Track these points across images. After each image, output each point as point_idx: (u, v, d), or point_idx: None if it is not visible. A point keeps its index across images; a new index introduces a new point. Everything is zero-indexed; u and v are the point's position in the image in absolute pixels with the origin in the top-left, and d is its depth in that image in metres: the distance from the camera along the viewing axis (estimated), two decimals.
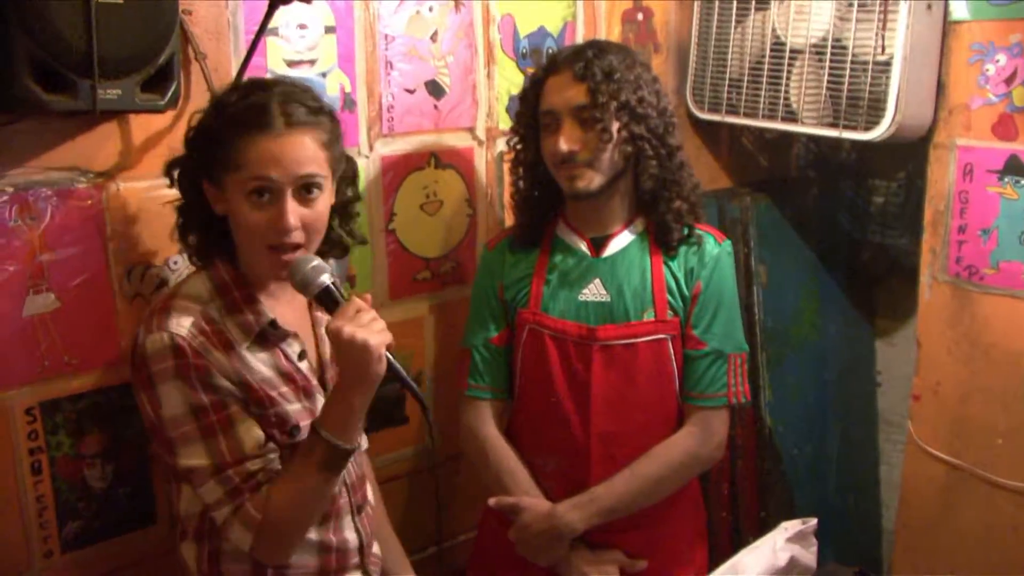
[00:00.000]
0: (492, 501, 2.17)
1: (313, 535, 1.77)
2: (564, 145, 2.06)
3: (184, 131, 1.75)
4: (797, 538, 1.86)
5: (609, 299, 2.14)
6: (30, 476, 1.89)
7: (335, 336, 1.59)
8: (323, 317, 1.86)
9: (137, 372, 1.67)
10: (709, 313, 2.16)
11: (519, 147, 2.22)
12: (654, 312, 2.13)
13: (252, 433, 1.67)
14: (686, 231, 2.17)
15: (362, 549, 1.88)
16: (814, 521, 1.88)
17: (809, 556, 1.87)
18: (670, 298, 2.14)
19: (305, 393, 1.76)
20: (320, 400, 1.79)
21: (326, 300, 1.67)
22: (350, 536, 1.86)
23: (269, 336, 1.73)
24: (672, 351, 2.15)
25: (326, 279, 1.67)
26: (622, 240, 2.18)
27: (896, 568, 2.94)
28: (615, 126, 2.05)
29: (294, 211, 1.65)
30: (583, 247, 2.19)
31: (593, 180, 2.09)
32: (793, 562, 1.84)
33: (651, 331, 2.13)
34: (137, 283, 1.98)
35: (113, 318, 1.96)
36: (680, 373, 2.17)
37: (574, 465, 2.17)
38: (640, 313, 2.13)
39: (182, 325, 1.63)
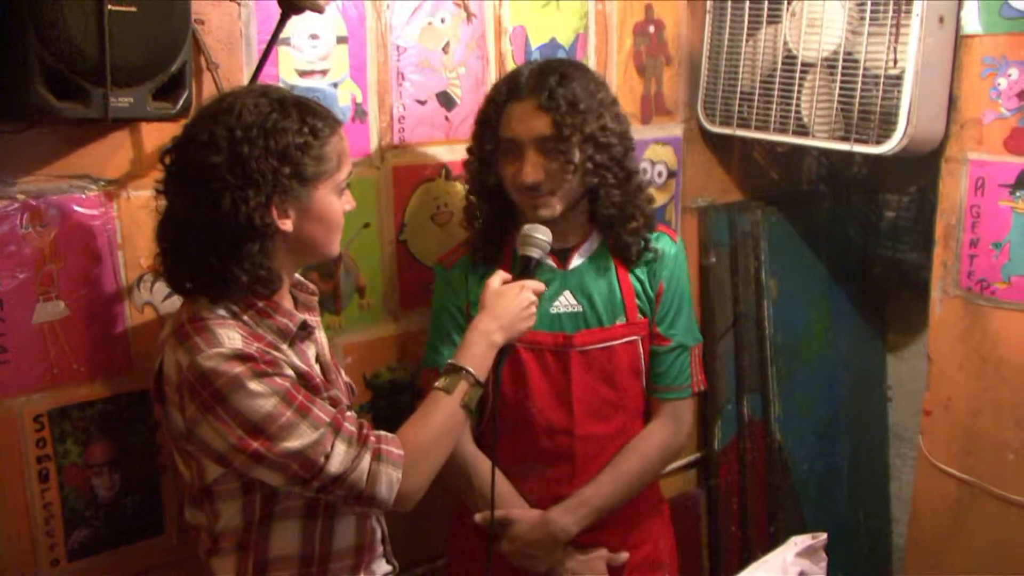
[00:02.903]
0: (479, 517, 2.16)
1: (353, 539, 1.80)
2: (529, 177, 2.05)
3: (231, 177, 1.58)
4: (807, 553, 1.85)
5: (581, 309, 2.18)
6: (37, 484, 1.89)
7: (518, 288, 1.90)
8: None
9: (196, 396, 1.58)
10: (673, 311, 2.23)
11: (476, 167, 2.18)
12: (625, 317, 2.19)
13: (327, 403, 1.68)
14: (643, 244, 2.20)
15: (384, 539, 1.93)
16: (824, 536, 1.86)
17: (819, 571, 1.86)
18: (638, 301, 2.20)
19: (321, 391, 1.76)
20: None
21: (524, 267, 1.96)
22: (376, 528, 1.90)
23: (296, 337, 1.74)
24: (642, 350, 2.21)
25: (538, 254, 1.97)
26: (586, 251, 2.21)
27: None
28: (578, 157, 2.04)
29: None
30: (549, 261, 2.16)
31: (556, 208, 2.09)
32: None
33: (625, 333, 2.19)
34: (147, 292, 1.99)
35: (123, 326, 1.96)
36: (647, 369, 2.23)
37: (559, 470, 2.20)
38: (613, 319, 2.18)
39: (233, 338, 1.60)
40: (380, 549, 1.91)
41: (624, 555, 2.24)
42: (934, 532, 2.80)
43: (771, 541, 2.98)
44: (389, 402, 2.41)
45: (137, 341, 1.98)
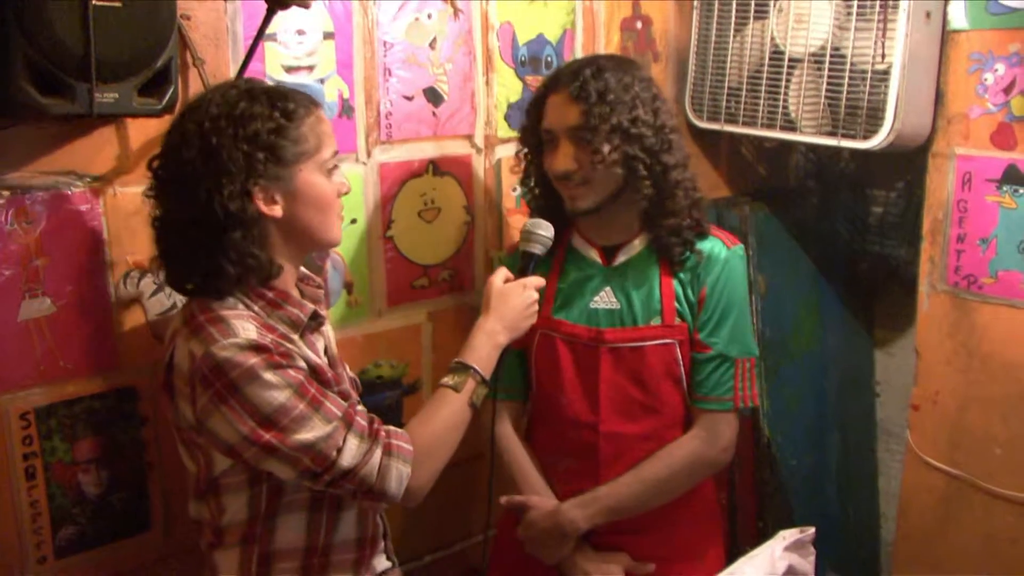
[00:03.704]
0: (503, 499, 2.21)
1: (355, 532, 1.82)
2: (560, 165, 2.09)
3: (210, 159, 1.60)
4: (795, 547, 1.85)
5: (619, 307, 2.17)
6: (24, 481, 1.88)
7: (520, 287, 1.96)
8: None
9: (209, 386, 1.59)
10: (715, 318, 2.16)
11: (525, 157, 2.25)
12: (661, 319, 2.15)
13: (338, 397, 1.70)
14: (687, 247, 2.16)
15: (385, 536, 1.95)
16: (812, 530, 1.86)
17: (807, 565, 1.86)
18: (677, 305, 2.16)
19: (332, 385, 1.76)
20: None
21: (526, 262, 2.05)
22: (380, 524, 1.93)
23: (307, 328, 1.75)
24: (680, 355, 2.16)
25: (540, 250, 2.05)
26: (632, 249, 2.20)
27: None
28: (606, 148, 2.05)
29: None
30: (595, 256, 2.22)
31: (588, 198, 2.11)
32: (791, 571, 1.82)
33: (658, 335, 2.15)
34: (134, 288, 1.98)
35: (110, 323, 1.96)
36: (688, 377, 2.18)
37: (584, 465, 2.20)
38: (648, 320, 2.16)
39: (248, 329, 1.61)
40: (382, 545, 1.93)
41: (649, 567, 2.21)
42: (922, 526, 2.80)
43: (760, 536, 2.98)
44: (377, 399, 2.40)
45: (124, 337, 1.98)
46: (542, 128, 2.14)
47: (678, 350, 2.16)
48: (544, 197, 2.24)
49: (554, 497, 2.21)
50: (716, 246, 2.19)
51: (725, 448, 2.21)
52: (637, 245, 2.20)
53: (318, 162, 1.70)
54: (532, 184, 2.26)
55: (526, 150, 2.25)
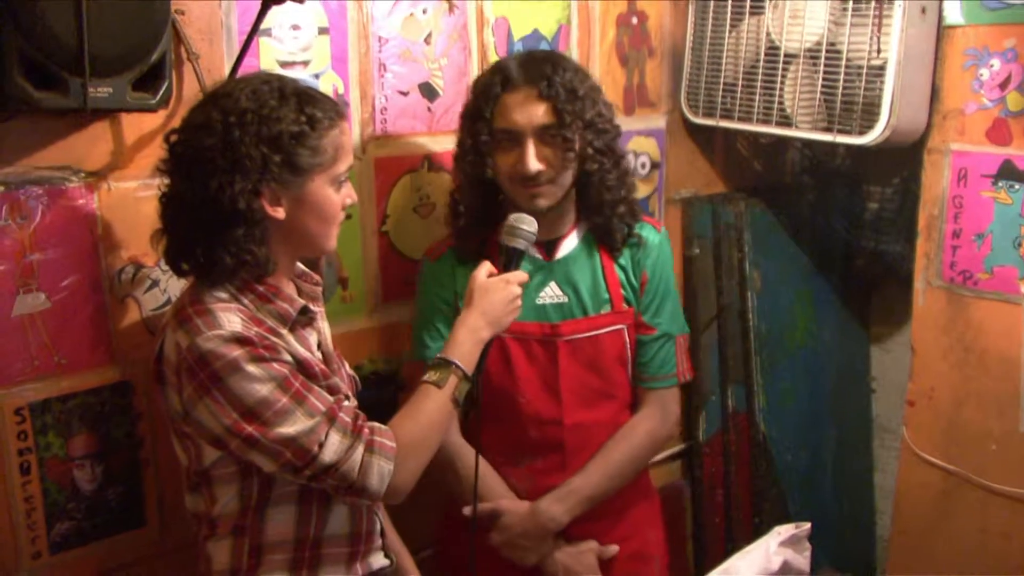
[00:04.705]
0: (467, 510, 2.11)
1: (347, 526, 1.82)
2: (530, 166, 2.05)
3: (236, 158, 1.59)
4: (791, 542, 1.85)
5: (567, 299, 2.19)
6: (19, 477, 1.88)
7: (503, 282, 1.89)
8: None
9: (194, 377, 1.60)
10: (657, 300, 2.24)
11: (470, 161, 2.15)
12: (611, 306, 2.20)
13: (325, 391, 1.70)
14: (628, 231, 2.21)
15: (382, 532, 1.94)
16: (808, 525, 1.87)
17: (803, 561, 1.86)
18: (623, 291, 2.21)
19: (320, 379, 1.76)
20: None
21: (510, 258, 1.95)
22: (376, 520, 1.92)
23: (297, 323, 1.75)
24: (628, 339, 2.22)
25: (523, 245, 1.97)
26: (572, 242, 2.22)
27: (891, 574, 2.94)
28: (578, 145, 2.05)
29: None
30: (535, 252, 2.19)
31: (553, 196, 2.10)
32: (786, 567, 1.83)
33: (611, 322, 2.20)
34: (128, 283, 1.98)
35: (104, 318, 1.95)
36: (633, 359, 2.24)
37: (551, 460, 2.21)
38: (599, 308, 2.20)
39: (233, 322, 1.61)
40: (378, 542, 1.92)
41: (614, 548, 2.25)
42: (918, 522, 2.81)
43: (756, 533, 2.98)
44: (371, 395, 2.40)
45: (118, 333, 1.97)
46: (497, 128, 2.08)
47: (627, 334, 2.22)
48: (477, 197, 2.17)
49: (517, 498, 2.21)
50: (650, 231, 2.25)
51: (676, 422, 2.35)
52: (576, 237, 2.22)
53: (331, 175, 1.70)
54: (468, 186, 2.17)
55: (467, 152, 2.15)
